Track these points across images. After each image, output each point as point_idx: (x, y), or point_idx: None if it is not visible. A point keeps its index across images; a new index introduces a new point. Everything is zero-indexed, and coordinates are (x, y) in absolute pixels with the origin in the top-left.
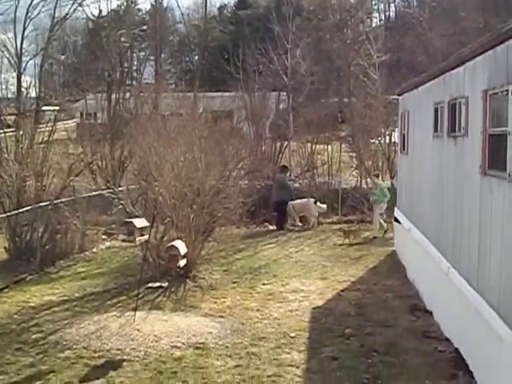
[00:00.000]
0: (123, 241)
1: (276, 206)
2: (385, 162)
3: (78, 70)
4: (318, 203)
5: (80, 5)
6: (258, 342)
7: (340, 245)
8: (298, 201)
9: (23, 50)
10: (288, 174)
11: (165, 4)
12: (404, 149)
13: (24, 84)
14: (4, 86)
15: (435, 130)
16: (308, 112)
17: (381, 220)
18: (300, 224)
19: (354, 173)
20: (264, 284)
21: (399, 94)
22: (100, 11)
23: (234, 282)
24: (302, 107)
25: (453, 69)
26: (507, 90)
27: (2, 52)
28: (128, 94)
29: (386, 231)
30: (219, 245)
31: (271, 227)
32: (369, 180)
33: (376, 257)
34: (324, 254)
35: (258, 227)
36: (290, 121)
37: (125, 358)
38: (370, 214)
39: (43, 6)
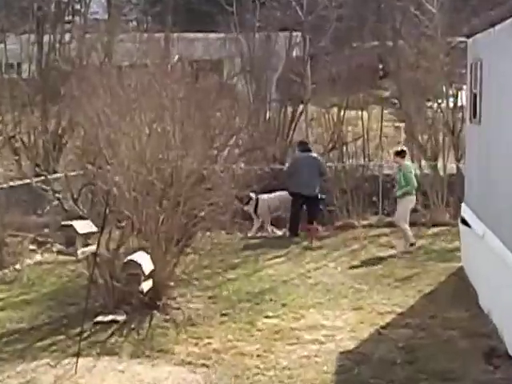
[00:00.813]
0: (60, 253)
1: (310, 202)
2: (447, 136)
3: None
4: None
5: None
6: None
7: (380, 258)
8: (273, 194)
9: None
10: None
11: None
12: (475, 116)
13: None
14: None
15: None
16: (334, 62)
17: (406, 225)
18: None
19: None
20: (268, 317)
21: (468, 36)
22: None
23: (224, 315)
24: (324, 55)
25: None
26: None
27: None
28: (68, 36)
29: (412, 244)
30: (202, 259)
31: (279, 233)
32: (423, 162)
33: (434, 276)
34: (357, 273)
35: (259, 232)
36: (308, 75)
37: None
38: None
39: None
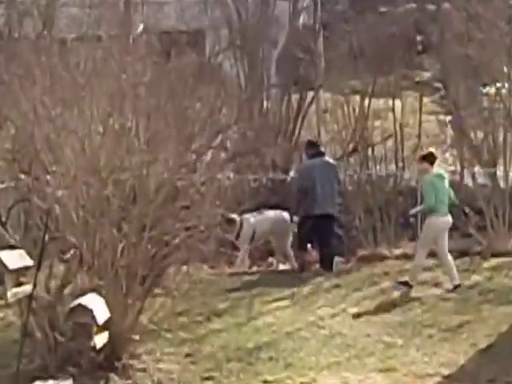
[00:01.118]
0: None
1: (325, 223)
2: (509, 133)
3: None
4: None
5: None
6: None
7: (420, 301)
8: (264, 214)
9: None
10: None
11: None
12: None
13: None
14: None
15: None
16: (355, 33)
17: (421, 256)
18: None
19: (447, 155)
20: (267, 382)
21: None
22: None
23: (207, 379)
24: (342, 23)
25: None
26: None
27: None
28: None
29: (457, 286)
30: (177, 302)
31: (282, 267)
32: (478, 169)
33: (492, 325)
34: (388, 321)
35: (253, 266)
36: (320, 51)
37: None
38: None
39: None
